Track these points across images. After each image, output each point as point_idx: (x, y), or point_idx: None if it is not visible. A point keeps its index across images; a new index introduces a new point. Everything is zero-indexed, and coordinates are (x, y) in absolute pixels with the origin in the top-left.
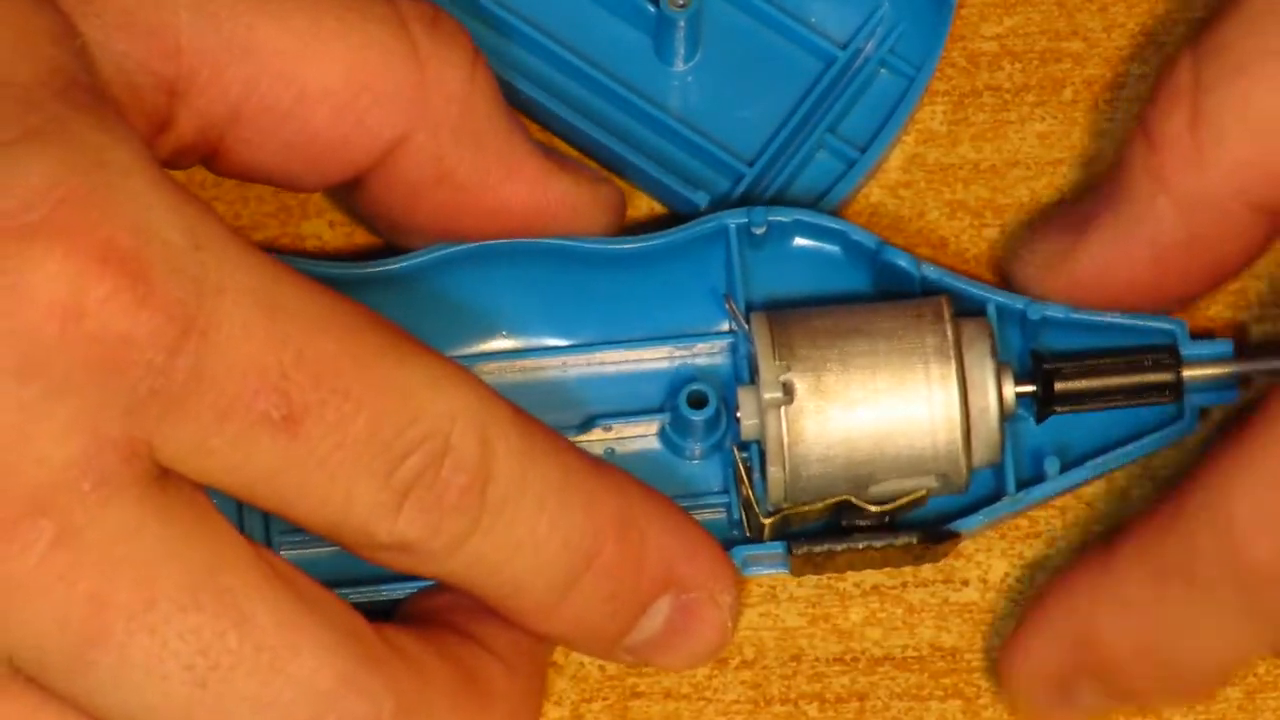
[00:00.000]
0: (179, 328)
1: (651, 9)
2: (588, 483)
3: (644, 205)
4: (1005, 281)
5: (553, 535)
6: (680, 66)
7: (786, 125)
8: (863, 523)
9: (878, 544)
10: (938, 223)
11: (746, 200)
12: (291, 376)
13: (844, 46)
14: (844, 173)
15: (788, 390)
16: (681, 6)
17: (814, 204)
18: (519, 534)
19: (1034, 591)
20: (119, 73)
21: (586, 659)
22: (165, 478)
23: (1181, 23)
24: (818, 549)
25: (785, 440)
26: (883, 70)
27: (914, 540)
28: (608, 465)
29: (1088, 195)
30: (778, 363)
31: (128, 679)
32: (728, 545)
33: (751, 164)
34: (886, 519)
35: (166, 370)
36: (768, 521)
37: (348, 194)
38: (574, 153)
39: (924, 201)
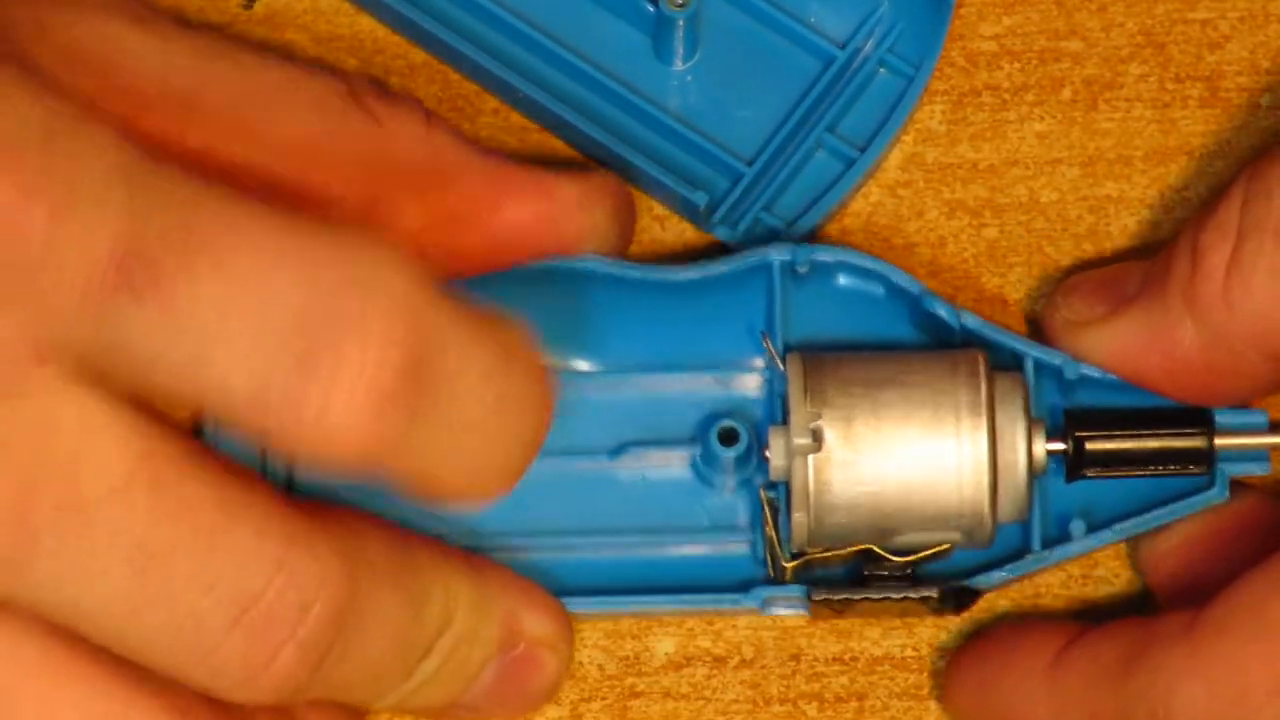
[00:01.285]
0: (21, 195)
1: (650, 8)
2: None
3: (645, 207)
4: (1035, 330)
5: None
6: (679, 66)
7: (785, 125)
8: (884, 573)
9: (896, 596)
10: (936, 222)
11: (744, 202)
12: (157, 242)
13: (843, 46)
14: (843, 172)
15: (817, 437)
16: (680, 6)
17: (813, 204)
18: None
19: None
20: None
21: (585, 658)
22: (82, 371)
23: (1181, 22)
24: (836, 598)
25: (811, 488)
26: (882, 70)
27: (934, 594)
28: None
29: (1135, 268)
30: (809, 409)
31: (67, 577)
32: (749, 585)
33: (750, 163)
34: (909, 570)
35: (21, 242)
36: (790, 565)
37: None
38: (571, 153)
39: (923, 201)
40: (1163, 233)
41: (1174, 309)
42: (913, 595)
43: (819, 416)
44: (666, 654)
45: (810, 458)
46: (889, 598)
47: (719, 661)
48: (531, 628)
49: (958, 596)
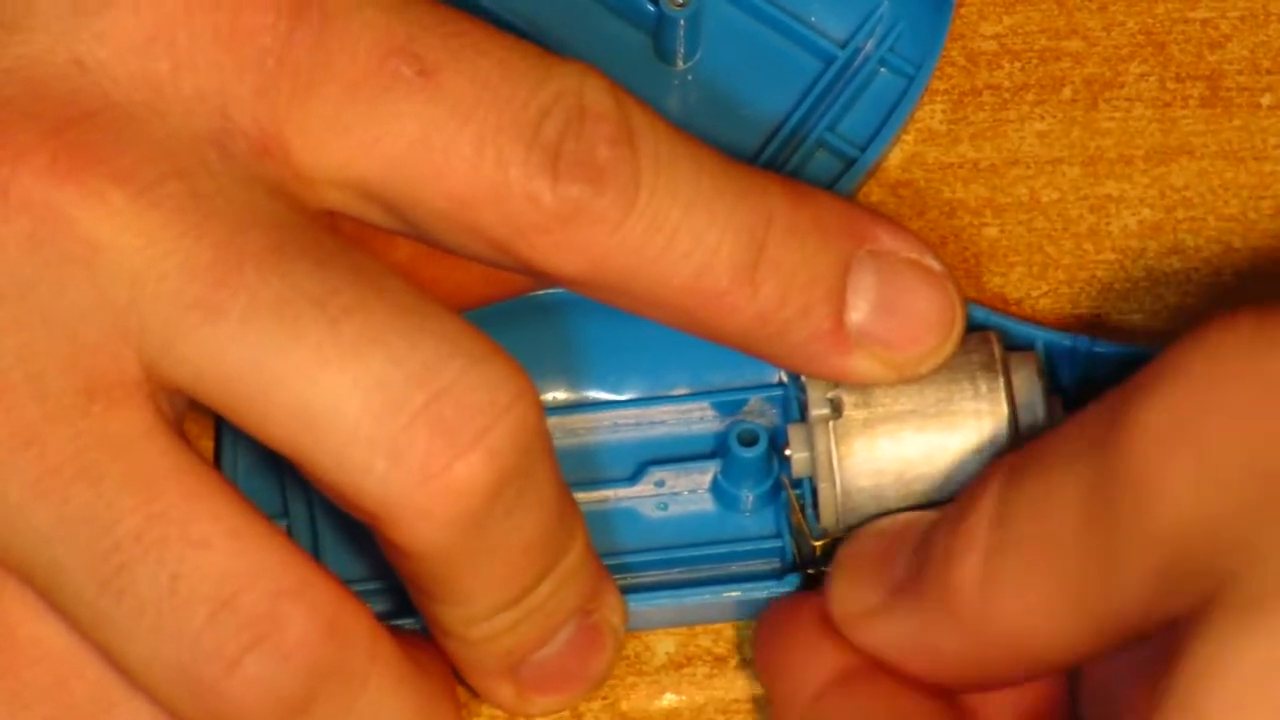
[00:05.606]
0: (291, 9)
1: (651, 8)
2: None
3: None
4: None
5: (719, 200)
6: (680, 65)
7: (786, 124)
8: None
9: None
10: (937, 221)
11: None
12: (419, 38)
13: (844, 45)
14: (843, 171)
15: (836, 406)
16: (681, 5)
17: None
18: (686, 193)
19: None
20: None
21: None
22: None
23: (1181, 21)
24: None
25: (835, 455)
26: (882, 69)
27: None
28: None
29: (906, 537)
30: (824, 383)
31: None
32: (780, 574)
33: (751, 163)
34: None
35: (289, 44)
36: (818, 544)
37: None
38: None
39: (923, 200)
40: (1164, 232)
41: (933, 613)
42: None
43: (836, 386)
44: (667, 653)
45: (831, 425)
46: None
47: (720, 661)
48: (605, 604)
49: None
